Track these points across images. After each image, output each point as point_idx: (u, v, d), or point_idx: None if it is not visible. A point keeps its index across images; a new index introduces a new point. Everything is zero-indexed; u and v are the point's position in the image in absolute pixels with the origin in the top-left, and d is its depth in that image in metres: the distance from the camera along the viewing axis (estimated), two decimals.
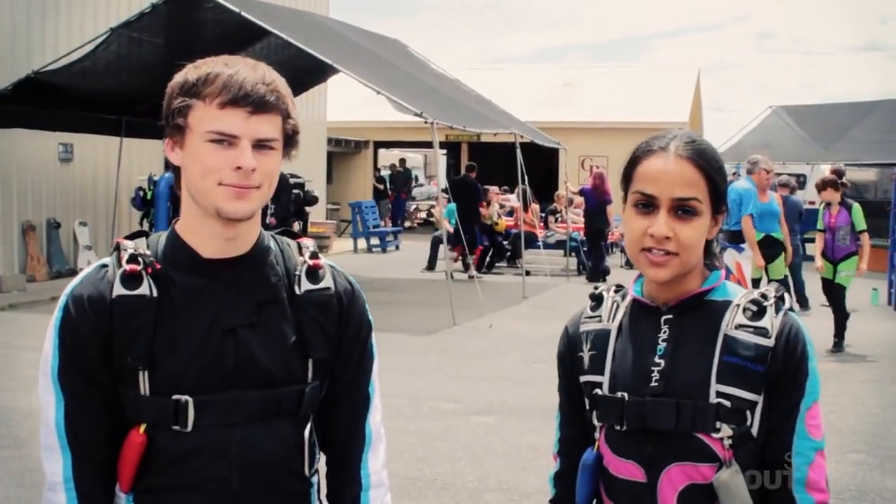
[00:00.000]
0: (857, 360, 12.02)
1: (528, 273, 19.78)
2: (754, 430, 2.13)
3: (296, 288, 2.22)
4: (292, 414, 2.19)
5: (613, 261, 23.12)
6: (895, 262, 17.74)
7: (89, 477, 2.11)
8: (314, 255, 2.27)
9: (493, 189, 23.98)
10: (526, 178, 19.74)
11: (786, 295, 2.19)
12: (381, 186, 35.45)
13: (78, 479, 2.10)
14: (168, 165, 2.25)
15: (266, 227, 2.33)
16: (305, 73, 19.93)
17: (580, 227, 22.24)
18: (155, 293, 2.11)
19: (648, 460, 2.19)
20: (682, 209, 2.14)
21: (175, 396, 2.08)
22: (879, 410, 9.47)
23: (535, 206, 23.91)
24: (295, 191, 19.98)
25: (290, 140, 2.17)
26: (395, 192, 35.76)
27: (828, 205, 12.56)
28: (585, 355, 2.33)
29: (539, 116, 27.84)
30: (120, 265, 2.12)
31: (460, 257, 20.33)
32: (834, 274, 12.39)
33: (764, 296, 2.17)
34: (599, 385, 2.28)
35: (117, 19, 17.34)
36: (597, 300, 2.38)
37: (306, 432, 2.23)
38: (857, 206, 12.52)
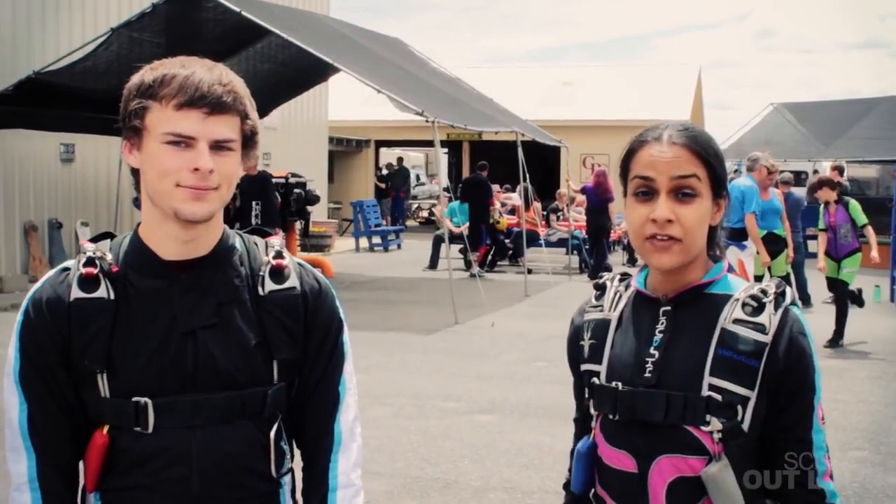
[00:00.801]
0: (860, 356, 12.02)
1: (529, 271, 19.77)
2: (745, 426, 2.13)
3: (259, 288, 2.21)
4: (256, 415, 2.18)
5: (615, 258, 23.11)
6: None
7: (53, 477, 2.14)
8: (278, 255, 2.25)
9: (496, 188, 23.98)
10: (527, 176, 19.73)
11: (788, 290, 2.19)
12: (384, 185, 35.48)
13: (42, 480, 2.12)
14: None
15: (251, 228, 2.34)
16: (306, 72, 19.97)
17: (582, 225, 22.24)
18: (112, 296, 2.11)
19: (639, 451, 2.20)
20: (682, 191, 2.15)
21: (135, 399, 2.09)
22: (882, 407, 9.46)
23: (538, 205, 23.90)
24: (296, 190, 20.00)
25: (248, 141, 2.16)
26: (395, 190, 35.78)
27: (826, 204, 12.57)
28: (586, 344, 2.34)
29: (540, 115, 27.88)
30: (79, 268, 2.13)
31: (475, 257, 20.30)
32: (838, 271, 12.41)
33: (764, 291, 2.17)
34: (597, 374, 2.29)
35: (118, 19, 17.36)
36: (600, 290, 2.40)
37: (272, 433, 2.20)
38: (853, 203, 12.54)
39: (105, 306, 2.10)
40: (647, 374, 2.18)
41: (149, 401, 2.09)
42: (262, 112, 23.13)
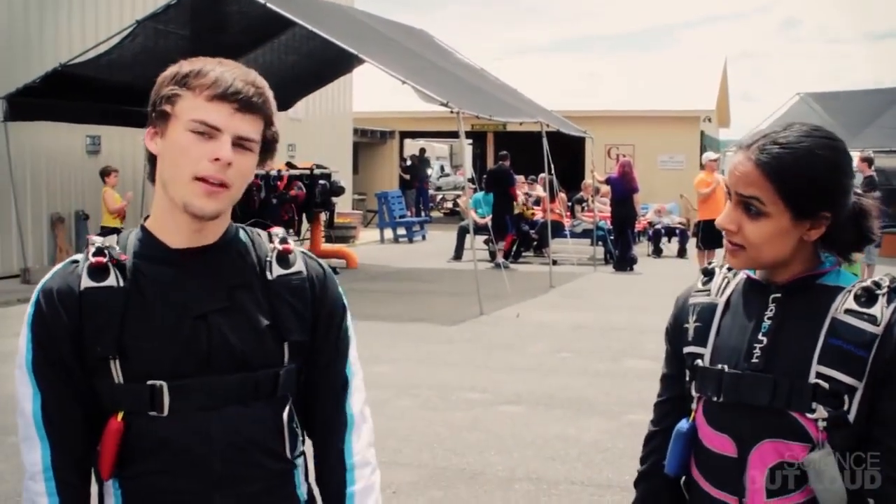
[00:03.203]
0: None
1: (554, 262, 19.74)
2: (851, 416, 2.12)
3: (267, 273, 2.25)
4: (269, 396, 2.21)
5: (640, 249, 23.07)
6: None
7: (68, 466, 2.15)
8: (284, 241, 2.30)
9: (520, 178, 23.95)
10: (552, 167, 19.69)
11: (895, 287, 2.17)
12: (408, 176, 35.51)
13: (57, 468, 2.14)
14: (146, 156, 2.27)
15: (252, 222, 2.37)
16: (331, 63, 19.98)
17: (607, 216, 22.18)
18: (122, 283, 2.14)
19: (741, 435, 2.20)
20: (747, 206, 2.17)
21: (150, 382, 2.11)
22: None
23: (563, 196, 23.86)
24: (321, 181, 20.04)
25: (267, 146, 2.20)
26: (418, 181, 35.82)
27: None
28: (691, 326, 2.35)
29: (565, 105, 27.75)
30: (88, 259, 2.16)
31: (501, 246, 20.31)
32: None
33: (878, 283, 2.16)
34: (701, 356, 2.30)
35: (143, 11, 17.41)
36: (708, 275, 2.41)
37: (285, 414, 2.24)
38: None
39: (115, 294, 2.13)
40: (754, 359, 2.19)
41: (164, 383, 2.11)
42: (287, 104, 23.32)
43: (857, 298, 2.15)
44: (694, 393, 2.31)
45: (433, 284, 18.08)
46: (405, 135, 38.85)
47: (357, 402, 2.37)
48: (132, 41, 16.43)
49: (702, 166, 19.55)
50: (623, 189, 20.79)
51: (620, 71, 36.36)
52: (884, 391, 2.11)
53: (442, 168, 48.68)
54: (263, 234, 2.33)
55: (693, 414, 2.32)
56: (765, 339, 2.20)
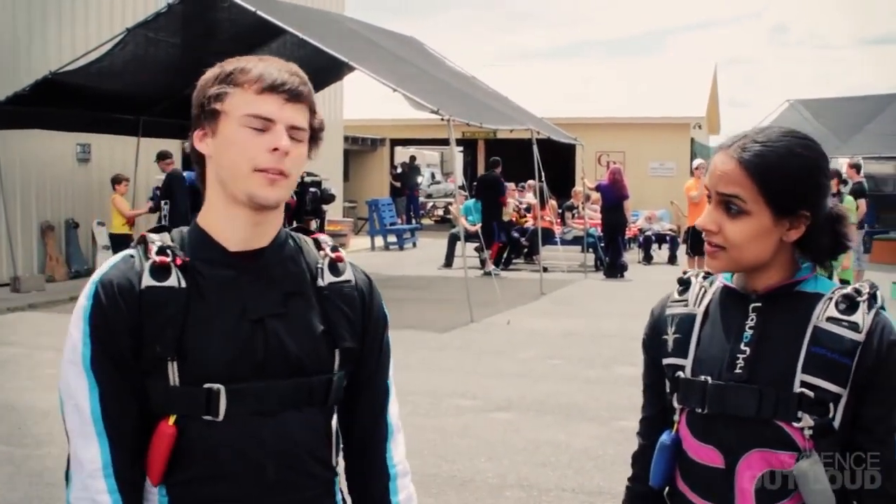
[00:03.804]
0: None
1: (545, 269, 19.75)
2: (836, 423, 2.14)
3: (319, 280, 2.25)
4: (321, 403, 2.22)
5: (631, 256, 23.09)
6: None
7: (126, 463, 2.11)
8: (335, 249, 2.31)
9: (511, 186, 23.99)
10: (543, 174, 19.71)
11: (878, 292, 2.20)
12: (398, 184, 35.51)
13: (116, 465, 2.09)
14: (191, 159, 2.27)
15: (294, 227, 2.36)
16: (321, 71, 19.93)
17: (597, 223, 22.21)
18: (183, 284, 2.12)
19: (728, 446, 2.20)
20: (729, 205, 2.18)
21: (206, 385, 2.09)
22: None
23: (553, 203, 23.89)
24: (312, 189, 20.03)
25: (315, 134, 2.22)
26: (409, 189, 35.84)
27: None
28: (670, 338, 2.35)
29: (555, 112, 27.78)
30: (147, 257, 2.14)
31: (488, 254, 20.30)
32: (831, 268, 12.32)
33: (858, 291, 2.18)
34: (682, 368, 2.29)
35: (133, 19, 17.38)
36: (684, 285, 2.41)
37: (333, 422, 2.26)
38: (848, 199, 12.50)
39: (177, 295, 2.11)
40: (738, 370, 2.19)
41: (222, 387, 2.09)
42: None
43: (837, 306, 2.16)
44: (676, 405, 2.31)
45: (424, 292, 18.08)
46: (396, 142, 38.85)
47: (395, 411, 2.43)
48: (122, 49, 16.42)
49: (692, 173, 19.63)
50: (613, 196, 20.83)
51: (611, 78, 36.41)
52: (866, 397, 2.13)
53: (432, 175, 48.72)
54: (309, 240, 2.33)
55: (676, 426, 2.32)
56: (747, 350, 2.20)
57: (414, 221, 33.62)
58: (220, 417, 2.10)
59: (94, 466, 2.09)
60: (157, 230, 2.24)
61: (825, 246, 2.26)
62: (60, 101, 16.75)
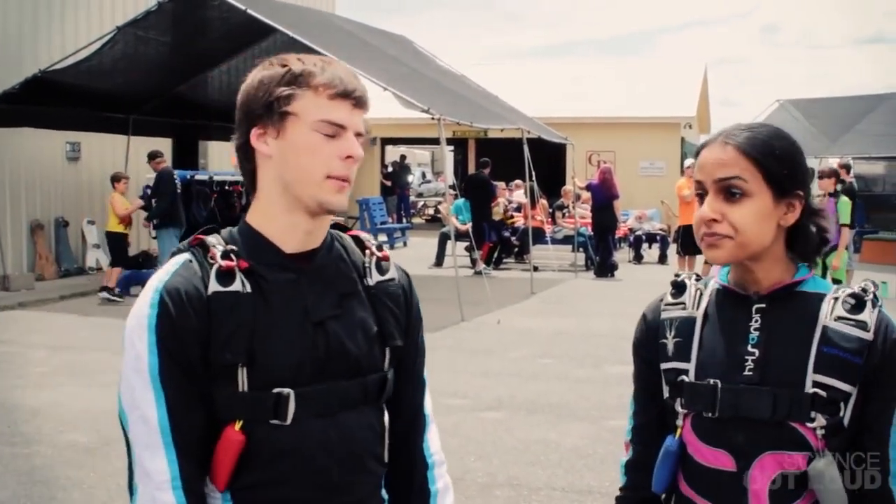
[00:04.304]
0: None
1: (535, 268, 19.78)
2: (846, 421, 2.14)
3: (367, 279, 2.28)
4: (375, 401, 2.25)
5: (621, 256, 23.11)
6: None
7: (194, 475, 2.09)
8: (380, 248, 2.35)
9: (501, 185, 24.00)
10: (533, 173, 19.72)
11: (877, 292, 2.21)
12: (389, 183, 35.50)
13: (185, 477, 2.07)
14: (238, 156, 2.25)
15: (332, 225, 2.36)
16: None
17: (588, 222, 22.22)
18: (248, 289, 2.11)
19: (740, 448, 2.19)
20: (729, 191, 2.17)
21: (276, 390, 2.09)
22: None
23: (544, 202, 23.90)
24: None
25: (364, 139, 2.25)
26: (400, 188, 35.83)
27: (823, 195, 12.56)
28: (669, 342, 2.32)
29: (546, 112, 27.77)
30: (210, 261, 2.12)
31: (479, 254, 20.28)
32: (823, 267, 12.34)
33: (864, 290, 2.19)
34: (685, 372, 2.28)
35: (124, 18, 17.35)
36: (678, 287, 2.39)
37: (385, 418, 2.30)
38: (843, 199, 12.50)
39: (244, 299, 2.10)
40: (747, 372, 2.18)
41: (291, 391, 2.09)
42: None
43: (845, 305, 2.17)
44: (680, 409, 2.28)
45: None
46: (386, 141, 38.79)
47: (430, 403, 2.50)
48: (112, 47, 16.39)
49: (682, 173, 19.65)
50: (603, 195, 20.83)
51: (601, 77, 36.40)
52: (870, 394, 2.14)
53: (423, 174, 48.65)
54: (348, 238, 2.35)
55: (679, 430, 2.30)
56: (756, 351, 2.19)
57: (405, 220, 33.63)
58: (288, 421, 2.10)
59: (163, 478, 2.06)
60: (207, 232, 2.23)
61: (813, 240, 2.27)
62: (50, 100, 16.72)
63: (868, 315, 2.15)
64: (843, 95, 33.37)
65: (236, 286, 2.10)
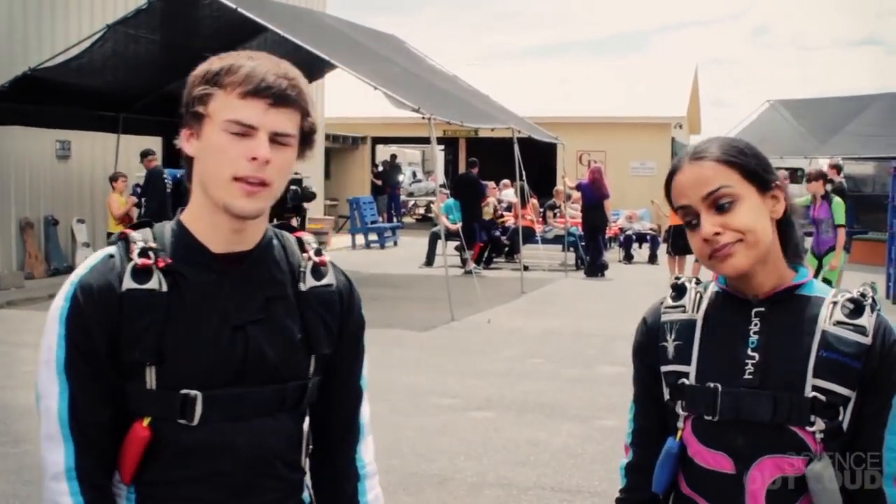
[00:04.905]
0: None
1: (526, 268, 19.79)
2: (845, 425, 2.15)
3: (300, 284, 2.23)
4: (294, 408, 2.22)
5: (612, 255, 23.13)
6: (893, 256, 17.72)
7: (92, 467, 2.09)
8: (319, 253, 2.29)
9: (491, 184, 24.02)
10: (524, 173, 19.73)
11: (875, 297, 2.22)
12: (380, 182, 35.48)
13: (80, 469, 2.08)
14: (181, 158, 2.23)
15: (279, 224, 2.34)
16: (302, 69, 19.37)
17: (578, 222, 22.24)
18: (165, 288, 2.09)
19: (739, 451, 2.20)
20: (718, 203, 2.17)
21: (183, 391, 2.08)
22: None
23: (534, 202, 23.92)
24: (293, 187, 20.00)
25: (306, 138, 2.17)
26: (390, 187, 35.81)
27: (813, 198, 12.58)
28: (670, 345, 2.32)
29: (537, 111, 27.79)
30: (129, 258, 2.10)
31: (470, 254, 20.27)
32: (819, 268, 12.38)
33: (863, 294, 2.20)
34: (685, 375, 2.28)
35: (114, 16, 17.34)
36: (678, 290, 2.38)
37: (305, 426, 2.27)
38: (837, 200, 12.52)
39: (158, 298, 2.08)
40: (747, 376, 2.19)
41: (199, 393, 2.08)
42: None
43: (844, 310, 2.18)
44: (681, 412, 2.29)
45: (404, 290, 18.06)
46: (377, 140, 38.78)
47: (367, 412, 2.42)
48: (102, 46, 16.36)
49: None
50: (594, 195, 20.85)
51: (592, 77, 36.44)
52: (867, 397, 2.15)
53: (414, 174, 48.61)
54: (292, 239, 2.31)
55: (680, 433, 2.30)
56: (756, 355, 2.20)
57: (395, 220, 33.61)
58: (195, 422, 2.09)
59: (59, 469, 2.08)
60: (138, 226, 2.21)
61: (797, 234, 2.30)
62: (40, 98, 16.68)
63: (867, 320, 2.16)
64: (833, 96, 33.43)
65: (152, 284, 2.09)
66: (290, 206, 19.96)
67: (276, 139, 2.07)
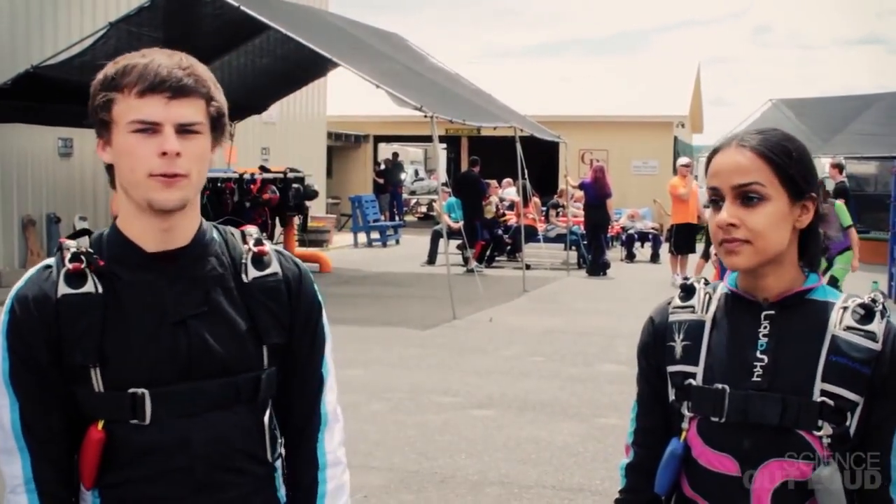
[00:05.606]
0: None
1: (528, 267, 19.78)
2: (852, 431, 2.15)
3: (243, 276, 2.23)
4: (251, 400, 2.21)
5: (614, 254, 23.12)
6: (895, 255, 17.72)
7: (50, 476, 2.12)
8: (258, 242, 2.29)
9: (493, 183, 24.01)
10: (526, 171, 19.72)
11: (885, 303, 2.22)
12: (382, 180, 35.46)
13: (38, 480, 2.10)
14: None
15: (224, 219, 2.36)
16: (305, 67, 19.95)
17: (580, 220, 22.22)
18: (100, 290, 2.11)
19: (745, 454, 2.19)
20: (746, 196, 2.16)
21: (131, 390, 2.09)
22: None
23: (537, 200, 23.90)
24: (295, 185, 20.01)
25: (216, 123, 2.16)
26: (392, 186, 35.80)
27: None
28: (678, 345, 2.31)
29: (539, 110, 27.75)
30: (63, 264, 2.12)
31: (472, 253, 20.25)
32: (827, 269, 12.37)
33: (874, 300, 2.20)
34: (692, 375, 2.27)
35: (116, 14, 17.33)
36: (687, 291, 2.37)
37: (266, 418, 2.25)
38: (838, 203, 12.52)
39: (94, 301, 2.10)
40: (755, 378, 2.18)
41: (146, 391, 2.09)
42: (261, 107, 23.21)
43: (855, 315, 2.17)
44: (687, 413, 2.28)
45: (406, 288, 18.07)
46: (379, 139, 38.75)
47: (331, 400, 2.38)
48: (104, 43, 16.33)
49: (675, 171, 19.66)
50: (596, 194, 20.82)
51: (594, 76, 36.40)
52: (876, 402, 2.15)
53: (416, 172, 48.61)
54: (237, 233, 2.31)
55: (684, 434, 2.29)
56: (764, 358, 2.19)
57: (397, 218, 33.59)
58: (147, 421, 2.10)
59: (17, 482, 2.11)
60: (75, 235, 2.23)
61: (818, 246, 2.28)
62: (42, 96, 16.66)
63: (877, 326, 2.16)
64: (836, 95, 33.40)
65: (87, 288, 2.10)
66: (292, 204, 19.97)
67: (183, 130, 2.07)
